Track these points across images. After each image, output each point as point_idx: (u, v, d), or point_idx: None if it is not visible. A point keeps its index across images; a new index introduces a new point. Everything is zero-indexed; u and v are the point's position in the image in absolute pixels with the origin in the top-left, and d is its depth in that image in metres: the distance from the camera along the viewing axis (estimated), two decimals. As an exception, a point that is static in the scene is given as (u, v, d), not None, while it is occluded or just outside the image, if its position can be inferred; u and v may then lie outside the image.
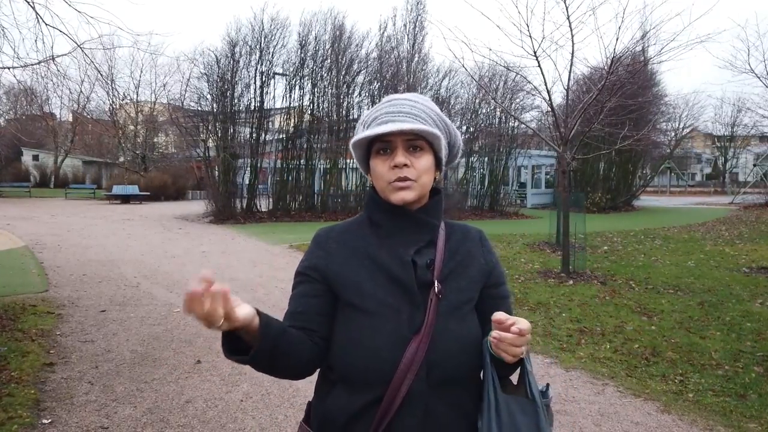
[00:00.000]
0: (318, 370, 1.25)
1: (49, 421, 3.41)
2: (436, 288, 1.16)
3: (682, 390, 4.09)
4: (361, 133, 1.18)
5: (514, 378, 1.23)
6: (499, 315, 1.01)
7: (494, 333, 1.02)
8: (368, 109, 19.93)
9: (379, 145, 1.18)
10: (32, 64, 7.19)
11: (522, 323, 1.01)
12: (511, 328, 1.00)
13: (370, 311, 1.15)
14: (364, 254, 1.21)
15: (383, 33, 21.43)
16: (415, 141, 1.17)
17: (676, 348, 5.03)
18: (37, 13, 6.53)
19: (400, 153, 1.16)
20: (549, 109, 9.14)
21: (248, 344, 1.05)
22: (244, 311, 0.99)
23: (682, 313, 6.24)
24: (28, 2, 6.37)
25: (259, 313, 1.05)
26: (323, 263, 1.22)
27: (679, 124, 34.79)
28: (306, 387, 3.78)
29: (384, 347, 1.12)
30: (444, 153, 1.24)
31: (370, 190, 1.28)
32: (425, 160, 1.19)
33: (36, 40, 6.75)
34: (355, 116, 20.56)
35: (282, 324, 1.14)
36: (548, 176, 29.01)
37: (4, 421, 3.34)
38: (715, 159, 60.73)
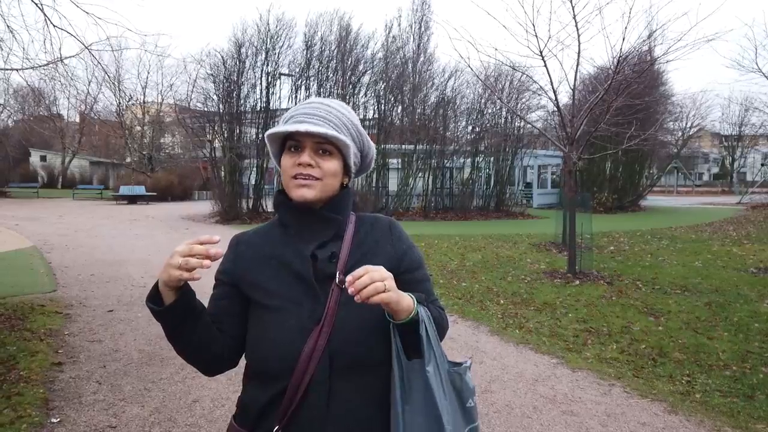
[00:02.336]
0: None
1: (58, 420, 3.44)
2: (337, 279, 1.20)
3: (689, 391, 4.08)
4: (275, 128, 1.24)
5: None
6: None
7: (349, 288, 1.06)
8: (374, 109, 19.68)
9: (291, 142, 1.24)
10: (41, 66, 7.23)
11: (358, 270, 1.06)
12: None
13: (275, 308, 1.21)
14: (271, 254, 1.27)
15: (389, 33, 21.52)
16: (324, 145, 1.23)
17: (684, 348, 5.01)
18: (45, 15, 6.58)
19: (306, 153, 1.22)
20: (555, 108, 9.13)
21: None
22: None
23: (689, 314, 6.21)
24: (36, 4, 6.41)
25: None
26: (231, 267, 1.30)
27: (686, 124, 34.65)
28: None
29: (286, 340, 1.17)
30: (354, 161, 1.29)
31: (276, 193, 1.33)
32: (332, 164, 1.24)
33: (44, 42, 6.78)
34: (362, 117, 20.59)
35: (202, 306, 1.22)
36: (554, 176, 28.93)
37: (14, 420, 3.37)
38: (722, 158, 60.35)
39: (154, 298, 1.14)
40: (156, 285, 1.13)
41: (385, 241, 1.31)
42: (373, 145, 1.37)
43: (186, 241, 1.07)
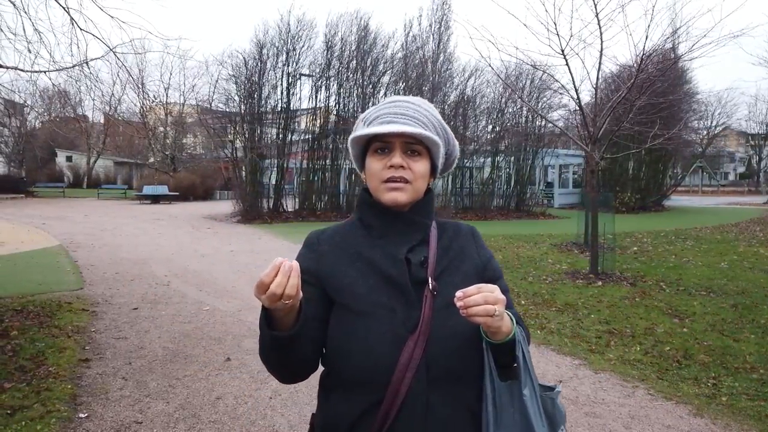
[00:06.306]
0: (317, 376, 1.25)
1: (86, 415, 3.51)
2: (430, 285, 1.15)
3: (715, 393, 4.01)
4: (361, 130, 1.19)
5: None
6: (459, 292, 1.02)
7: (458, 302, 1.01)
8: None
9: (378, 144, 1.19)
10: (67, 68, 7.36)
11: (470, 288, 1.01)
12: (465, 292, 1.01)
13: (364, 312, 1.14)
14: (356, 255, 1.21)
15: (408, 33, 21.50)
16: (414, 145, 1.18)
17: (709, 351, 4.93)
18: (72, 18, 6.70)
19: (397, 154, 1.17)
20: (577, 107, 9.04)
21: (275, 326, 1.08)
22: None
23: (714, 316, 6.11)
24: (63, 7, 6.54)
25: None
26: (314, 266, 1.21)
27: (711, 122, 34.08)
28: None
29: (380, 348, 1.10)
30: (441, 161, 1.25)
31: (361, 192, 1.28)
32: (422, 165, 1.20)
33: (70, 44, 6.92)
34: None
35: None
36: (576, 176, 28.63)
37: (43, 414, 3.45)
38: (748, 158, 59.16)
39: (269, 320, 1.07)
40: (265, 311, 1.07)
41: (470, 249, 1.28)
42: (457, 143, 1.32)
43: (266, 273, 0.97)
